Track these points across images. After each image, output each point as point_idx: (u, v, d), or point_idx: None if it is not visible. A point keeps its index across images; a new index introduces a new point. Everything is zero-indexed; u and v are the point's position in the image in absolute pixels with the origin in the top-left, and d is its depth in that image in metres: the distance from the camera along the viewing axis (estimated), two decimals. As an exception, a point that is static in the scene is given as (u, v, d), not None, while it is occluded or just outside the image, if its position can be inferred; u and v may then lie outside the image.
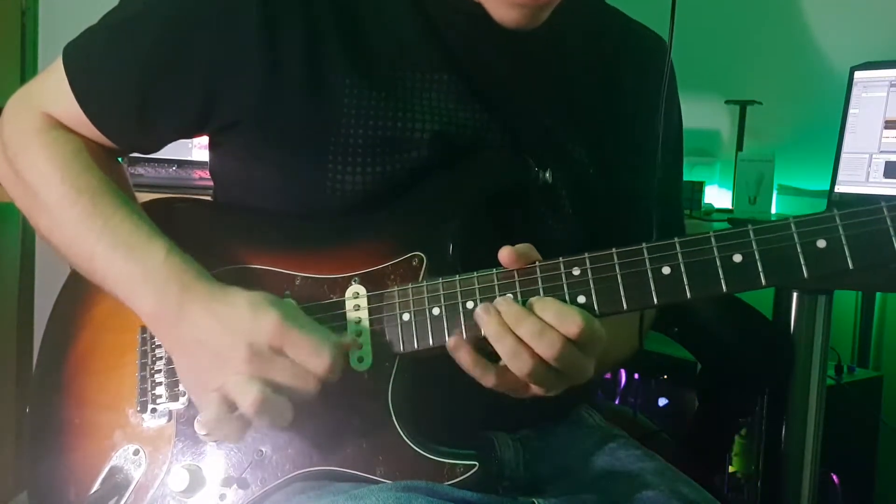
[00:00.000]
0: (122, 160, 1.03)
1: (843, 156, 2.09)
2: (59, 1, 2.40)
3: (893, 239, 0.75)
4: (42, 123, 0.97)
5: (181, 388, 0.91)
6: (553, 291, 0.82)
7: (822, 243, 0.76)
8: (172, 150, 1.08)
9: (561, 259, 0.82)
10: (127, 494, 0.91)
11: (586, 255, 0.81)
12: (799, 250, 0.77)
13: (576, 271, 0.81)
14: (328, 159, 0.91)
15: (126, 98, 0.95)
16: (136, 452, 0.93)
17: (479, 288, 0.84)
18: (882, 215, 0.75)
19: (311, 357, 0.81)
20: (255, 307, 0.82)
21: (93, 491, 0.92)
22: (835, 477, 1.91)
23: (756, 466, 1.78)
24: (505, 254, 0.82)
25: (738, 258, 0.78)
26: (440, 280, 0.85)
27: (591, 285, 0.81)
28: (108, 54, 0.96)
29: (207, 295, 0.85)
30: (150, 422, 0.93)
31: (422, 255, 0.87)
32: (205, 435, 0.84)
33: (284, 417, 0.81)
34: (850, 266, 0.75)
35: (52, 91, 0.97)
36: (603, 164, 1.01)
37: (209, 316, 0.84)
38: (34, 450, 0.99)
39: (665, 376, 1.95)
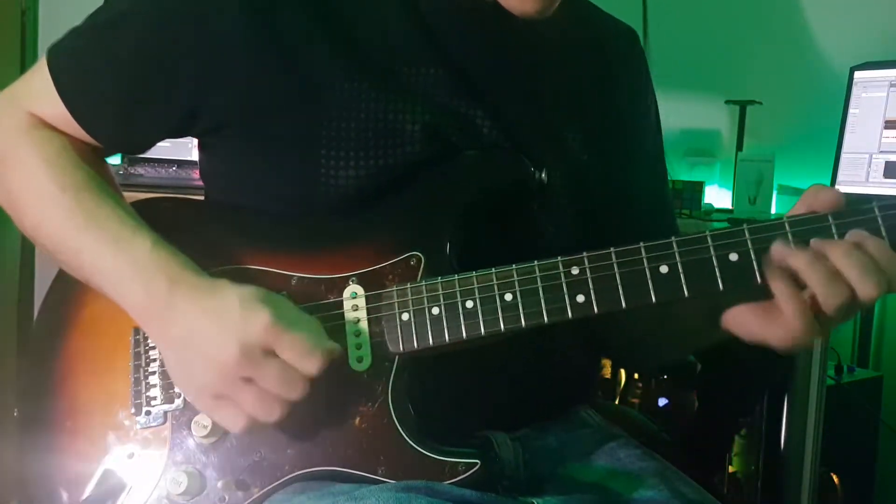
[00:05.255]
0: (122, 160, 1.03)
1: (843, 156, 2.09)
2: (59, 1, 2.41)
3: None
4: (27, 124, 0.96)
5: (176, 389, 0.90)
6: (552, 291, 0.82)
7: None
8: (172, 150, 1.08)
9: (560, 259, 0.82)
10: (121, 498, 0.90)
11: (585, 254, 0.82)
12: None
13: (574, 270, 0.82)
14: (321, 154, 0.90)
15: (111, 100, 0.94)
16: (130, 456, 0.91)
17: (477, 287, 0.84)
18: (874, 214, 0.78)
19: (302, 359, 0.80)
20: (245, 304, 0.81)
21: (86, 496, 0.91)
22: (835, 477, 1.91)
23: (756, 466, 1.78)
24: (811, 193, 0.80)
25: (734, 257, 0.79)
26: (439, 279, 0.85)
27: (590, 284, 0.81)
28: (93, 55, 0.95)
29: (196, 288, 0.85)
30: (144, 424, 0.91)
31: (420, 254, 0.87)
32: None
33: (268, 428, 0.84)
34: None
35: (37, 91, 0.96)
36: (599, 157, 1.01)
37: (199, 311, 0.83)
38: (24, 454, 0.97)
39: (665, 376, 1.95)
